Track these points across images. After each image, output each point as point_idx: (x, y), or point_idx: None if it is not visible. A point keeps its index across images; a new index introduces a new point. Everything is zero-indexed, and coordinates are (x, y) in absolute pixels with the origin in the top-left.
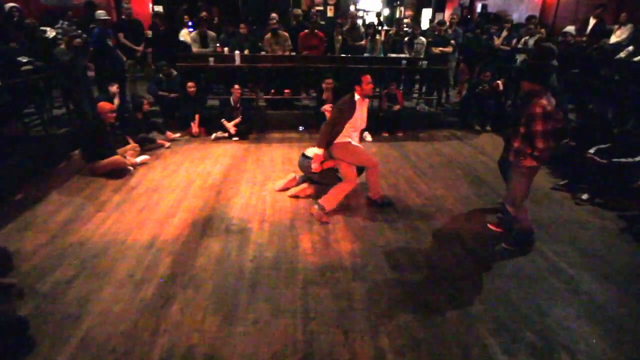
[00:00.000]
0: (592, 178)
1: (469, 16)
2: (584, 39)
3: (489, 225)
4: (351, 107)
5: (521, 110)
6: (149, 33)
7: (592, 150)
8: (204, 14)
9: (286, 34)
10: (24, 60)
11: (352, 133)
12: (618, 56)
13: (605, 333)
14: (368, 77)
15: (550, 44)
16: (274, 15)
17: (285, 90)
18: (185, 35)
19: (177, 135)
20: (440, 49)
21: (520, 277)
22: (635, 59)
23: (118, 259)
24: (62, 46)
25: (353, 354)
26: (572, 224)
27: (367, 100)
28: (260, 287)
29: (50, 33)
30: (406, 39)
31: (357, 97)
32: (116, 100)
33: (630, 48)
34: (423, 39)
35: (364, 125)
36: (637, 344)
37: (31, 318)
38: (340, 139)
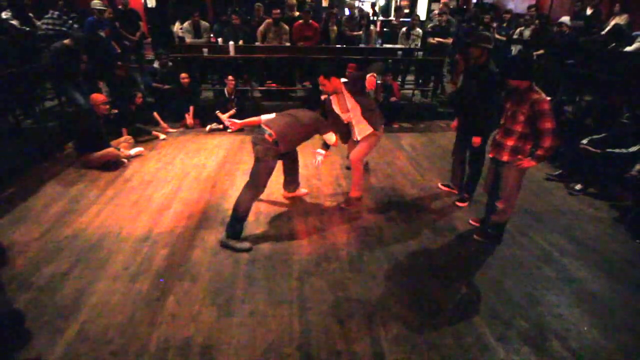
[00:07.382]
0: (586, 168)
1: (464, 6)
2: (581, 24)
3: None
4: None
5: (508, 106)
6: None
7: (585, 141)
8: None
9: (287, 26)
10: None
11: None
12: (627, 49)
13: (596, 321)
14: None
15: (486, 32)
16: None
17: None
18: (177, 27)
19: (174, 130)
20: (437, 39)
21: (513, 266)
22: (629, 48)
23: (113, 252)
24: (67, 41)
25: (349, 343)
26: (566, 214)
27: None
28: (256, 278)
29: (40, 25)
30: (404, 29)
31: None
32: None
33: None
34: (419, 30)
35: None
36: (627, 331)
37: (27, 311)
38: None
